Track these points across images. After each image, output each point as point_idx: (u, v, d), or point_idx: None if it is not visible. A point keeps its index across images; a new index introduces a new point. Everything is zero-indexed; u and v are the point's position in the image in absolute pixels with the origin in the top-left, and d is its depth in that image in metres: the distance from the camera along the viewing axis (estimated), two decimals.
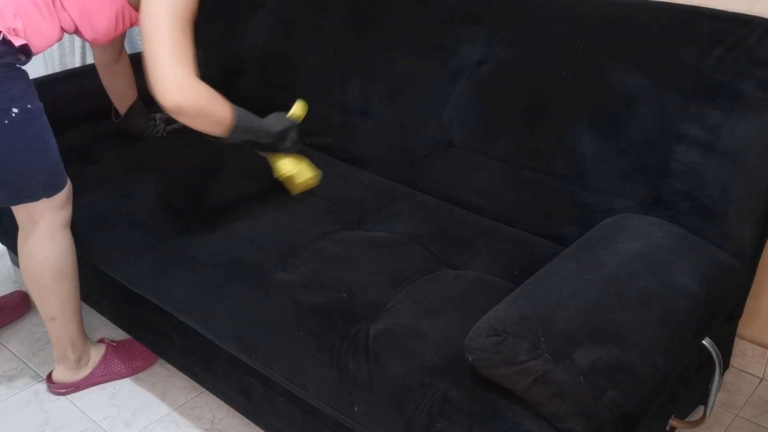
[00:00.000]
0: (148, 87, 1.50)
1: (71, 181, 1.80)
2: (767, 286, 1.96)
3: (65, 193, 1.78)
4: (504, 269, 1.62)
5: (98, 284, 2.05)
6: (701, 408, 1.63)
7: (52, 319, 1.90)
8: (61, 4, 1.66)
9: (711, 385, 1.55)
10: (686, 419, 1.68)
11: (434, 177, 1.97)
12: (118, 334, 2.20)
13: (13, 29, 1.60)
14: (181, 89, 1.49)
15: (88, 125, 2.30)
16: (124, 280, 1.84)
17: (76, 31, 1.75)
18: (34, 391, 2.06)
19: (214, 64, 2.50)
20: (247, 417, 1.85)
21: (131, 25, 1.80)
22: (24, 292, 2.37)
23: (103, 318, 2.22)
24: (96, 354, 2.06)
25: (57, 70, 3.16)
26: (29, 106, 1.62)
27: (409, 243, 1.72)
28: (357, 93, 2.13)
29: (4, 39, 1.57)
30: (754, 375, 2.10)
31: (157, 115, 2.27)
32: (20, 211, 1.77)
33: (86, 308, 2.01)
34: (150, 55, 1.49)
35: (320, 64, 2.21)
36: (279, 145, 1.77)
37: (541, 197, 1.79)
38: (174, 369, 2.03)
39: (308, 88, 2.24)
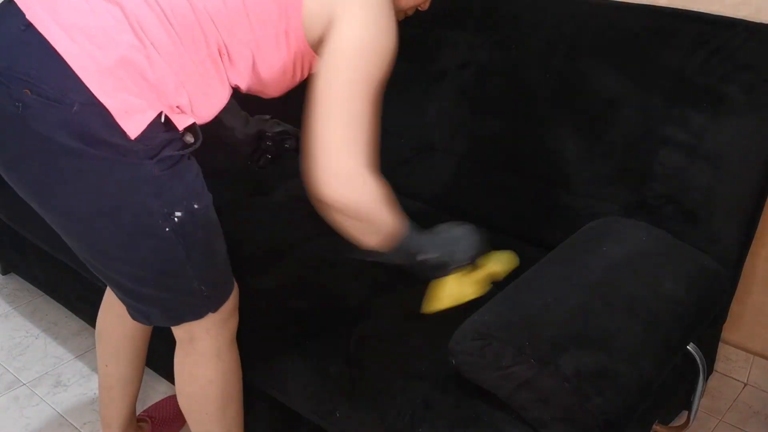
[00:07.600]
0: (302, 168, 1.22)
1: None
2: (751, 291, 1.96)
3: (233, 301, 1.41)
4: None
5: (84, 285, 2.03)
6: (685, 413, 1.62)
7: None
8: (228, 55, 1.23)
9: (695, 391, 1.54)
10: (670, 424, 1.68)
11: (416, 181, 1.95)
12: None
13: (177, 106, 1.19)
14: (346, 185, 1.21)
15: None
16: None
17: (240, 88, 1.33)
18: (13, 396, 2.03)
19: None
20: None
21: (309, 75, 1.35)
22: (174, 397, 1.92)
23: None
24: None
25: None
26: (195, 205, 1.24)
27: None
28: None
29: (166, 121, 1.16)
30: (738, 380, 2.10)
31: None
32: (179, 327, 1.41)
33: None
34: (318, 134, 1.20)
35: None
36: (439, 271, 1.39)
37: (524, 201, 1.78)
38: (155, 374, 2.01)
39: (289, 92, 2.22)
